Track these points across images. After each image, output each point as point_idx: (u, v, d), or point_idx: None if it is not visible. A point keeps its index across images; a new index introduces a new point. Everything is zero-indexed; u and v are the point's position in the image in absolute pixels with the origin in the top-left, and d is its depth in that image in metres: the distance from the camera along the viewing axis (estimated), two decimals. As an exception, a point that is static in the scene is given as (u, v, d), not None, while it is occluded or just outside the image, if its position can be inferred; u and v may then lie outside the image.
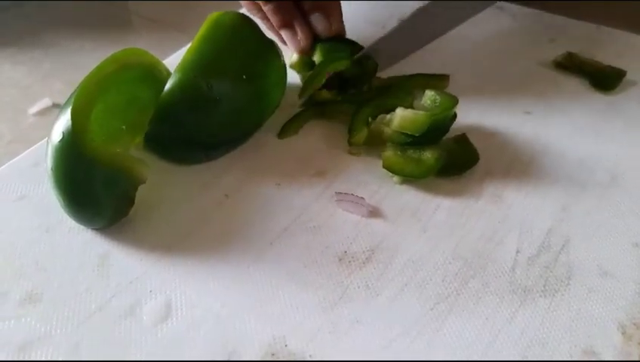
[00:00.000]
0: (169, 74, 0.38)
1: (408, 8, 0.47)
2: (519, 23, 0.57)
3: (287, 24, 0.45)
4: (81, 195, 0.31)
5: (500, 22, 0.57)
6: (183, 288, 0.30)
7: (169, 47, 0.84)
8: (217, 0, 0.56)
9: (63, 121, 0.31)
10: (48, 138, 0.32)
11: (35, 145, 0.40)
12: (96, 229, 0.33)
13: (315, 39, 0.45)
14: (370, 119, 0.40)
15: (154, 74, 0.38)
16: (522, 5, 0.60)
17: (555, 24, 0.56)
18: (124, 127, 0.36)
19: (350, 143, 0.40)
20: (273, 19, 0.46)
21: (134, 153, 0.37)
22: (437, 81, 0.45)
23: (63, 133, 0.31)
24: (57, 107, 0.56)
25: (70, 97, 0.33)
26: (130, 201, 0.33)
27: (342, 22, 0.46)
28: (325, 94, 0.43)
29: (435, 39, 0.48)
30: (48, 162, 0.31)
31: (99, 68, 0.34)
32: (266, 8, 0.45)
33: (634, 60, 0.50)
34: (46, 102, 0.55)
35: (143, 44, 0.85)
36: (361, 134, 0.40)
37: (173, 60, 0.48)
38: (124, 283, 0.30)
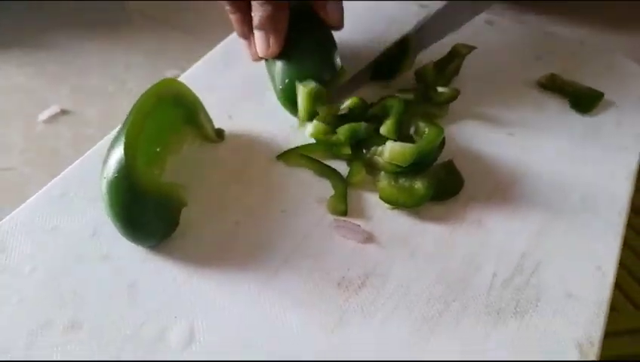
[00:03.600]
0: (193, 95, 0.43)
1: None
2: (508, 38, 0.59)
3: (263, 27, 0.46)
4: (135, 222, 0.36)
5: (489, 37, 0.59)
6: (203, 314, 0.35)
7: (171, 47, 0.86)
8: None
9: (117, 157, 0.35)
10: (102, 172, 0.36)
11: (58, 177, 0.43)
12: (123, 260, 0.37)
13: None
14: (364, 151, 0.44)
15: (181, 98, 0.43)
16: (514, 13, 0.62)
17: (543, 41, 0.59)
18: (158, 149, 0.41)
19: (349, 184, 0.43)
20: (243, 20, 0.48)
21: (168, 174, 0.41)
22: (436, 110, 0.48)
23: (118, 169, 0.35)
24: (65, 114, 0.61)
25: (119, 133, 0.37)
26: (176, 222, 0.38)
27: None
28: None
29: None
30: (103, 194, 0.36)
31: (141, 104, 0.39)
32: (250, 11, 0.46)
33: (612, 81, 0.53)
34: (54, 109, 0.59)
35: (144, 44, 0.87)
36: (360, 175, 0.43)
37: (189, 75, 0.52)
38: (153, 311, 0.35)
